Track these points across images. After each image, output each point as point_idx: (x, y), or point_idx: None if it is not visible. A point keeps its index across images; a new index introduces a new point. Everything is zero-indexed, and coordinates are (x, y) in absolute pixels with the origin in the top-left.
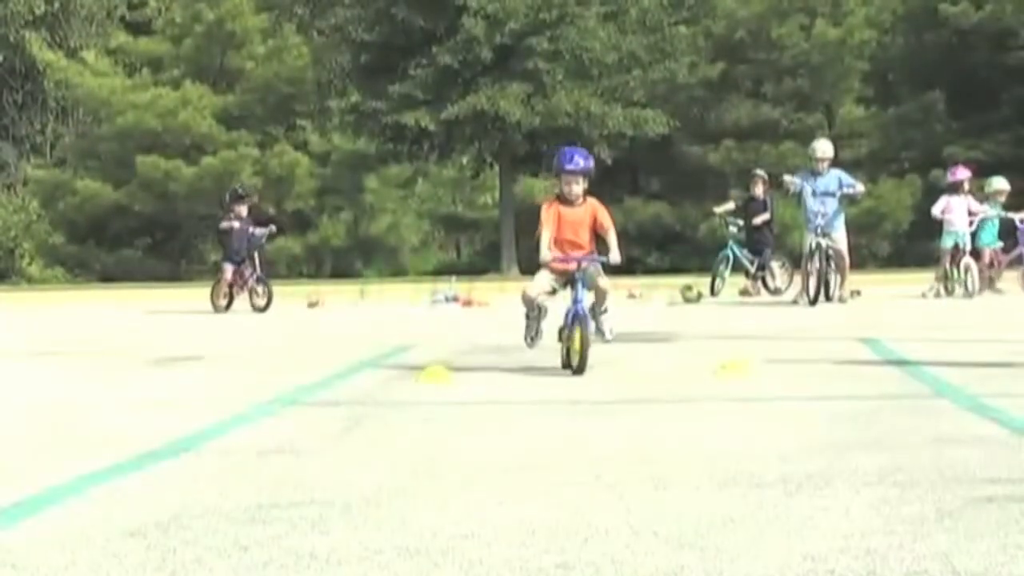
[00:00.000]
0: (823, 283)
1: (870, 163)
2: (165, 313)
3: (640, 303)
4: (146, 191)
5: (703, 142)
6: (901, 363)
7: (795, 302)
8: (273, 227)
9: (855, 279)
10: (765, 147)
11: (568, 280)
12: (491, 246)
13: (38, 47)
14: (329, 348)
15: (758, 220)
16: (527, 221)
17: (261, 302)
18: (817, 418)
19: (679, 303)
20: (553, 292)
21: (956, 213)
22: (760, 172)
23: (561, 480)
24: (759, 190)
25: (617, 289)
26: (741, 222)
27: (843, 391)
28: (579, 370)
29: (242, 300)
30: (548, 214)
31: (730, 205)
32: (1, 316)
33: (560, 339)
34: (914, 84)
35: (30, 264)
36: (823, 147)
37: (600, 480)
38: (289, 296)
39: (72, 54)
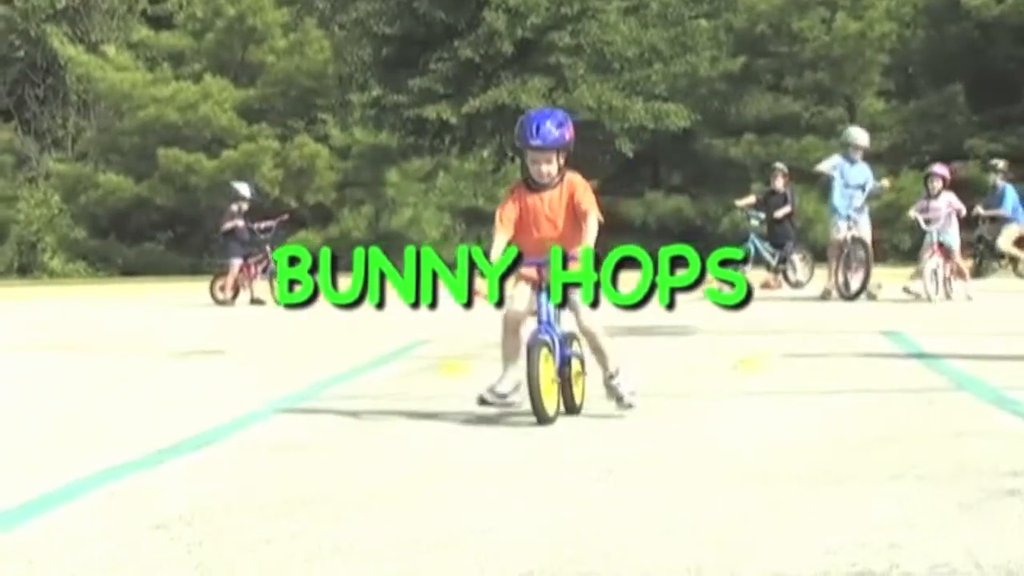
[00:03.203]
0: (867, 276)
1: (891, 156)
2: (186, 307)
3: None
4: (167, 184)
5: (724, 135)
6: (922, 356)
7: (824, 296)
8: (284, 216)
9: (876, 272)
10: (787, 141)
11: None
12: None
13: (59, 41)
14: (349, 342)
15: (779, 213)
16: None
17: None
18: (838, 412)
19: (700, 297)
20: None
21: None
22: (780, 166)
23: (577, 476)
24: (780, 183)
25: (636, 283)
26: (762, 215)
27: (864, 384)
28: (571, 409)
29: (246, 294)
30: (507, 207)
31: (751, 199)
32: (23, 310)
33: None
34: (935, 77)
35: (52, 258)
36: (861, 135)
37: (616, 476)
38: None
39: (93, 48)
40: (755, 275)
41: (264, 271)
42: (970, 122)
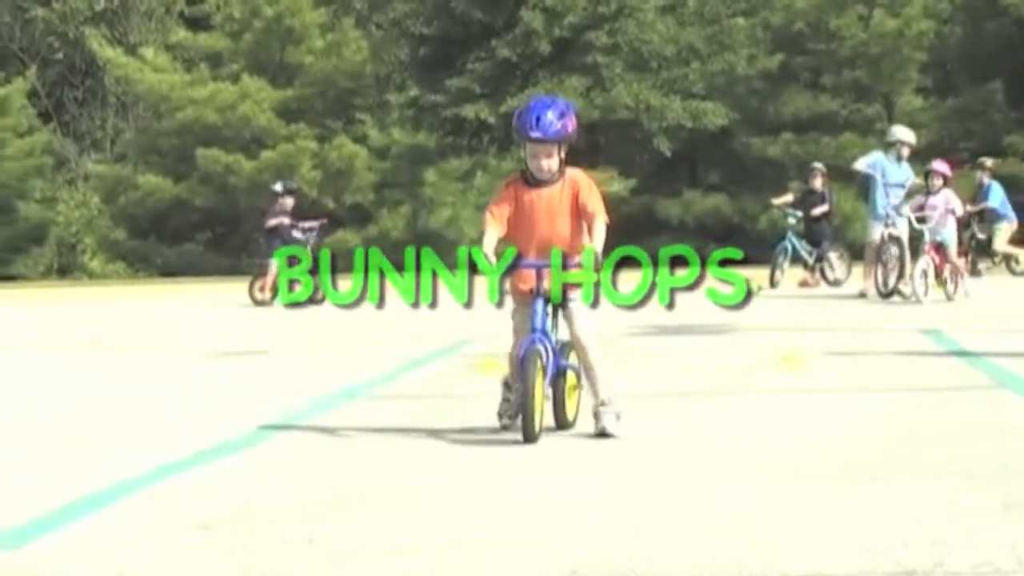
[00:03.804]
0: (901, 274)
1: (929, 154)
2: (226, 307)
3: (700, 295)
4: (206, 185)
5: (762, 134)
6: (963, 354)
7: (861, 295)
8: (324, 220)
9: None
10: (824, 139)
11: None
12: None
13: (98, 43)
14: (391, 342)
15: (816, 211)
16: None
17: (317, 296)
18: (879, 409)
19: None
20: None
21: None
22: (819, 165)
23: (617, 473)
24: (818, 183)
25: None
26: (799, 213)
27: (905, 382)
28: (562, 425)
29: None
30: (500, 200)
31: (788, 197)
32: (64, 311)
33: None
34: (973, 74)
35: (92, 259)
36: (908, 133)
37: (657, 473)
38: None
39: (132, 50)
40: (793, 274)
41: (311, 273)
42: (1008, 119)
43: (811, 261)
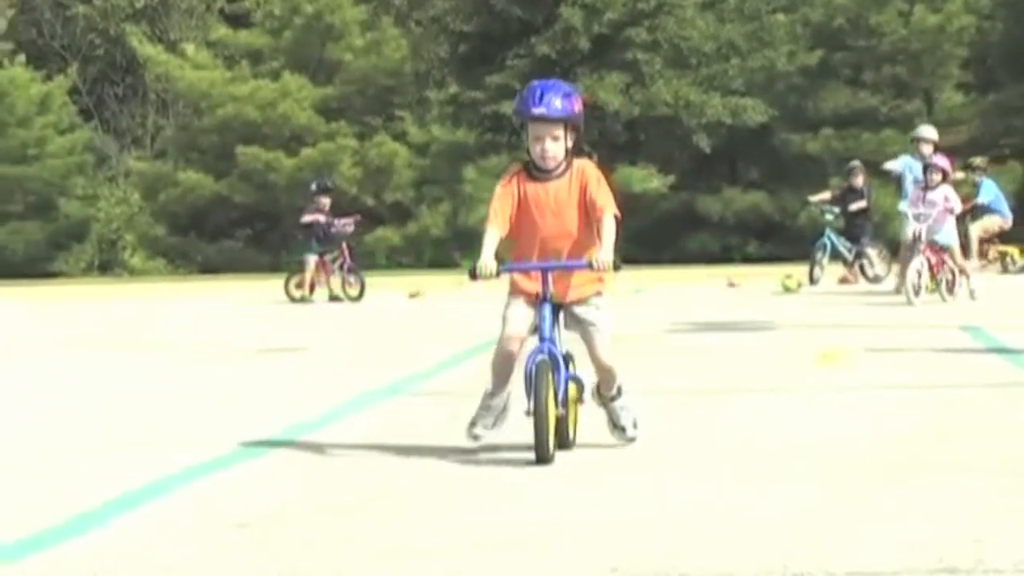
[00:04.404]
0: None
1: (970, 150)
2: (266, 304)
3: (739, 292)
4: (246, 182)
5: (802, 130)
6: (1004, 351)
7: (898, 291)
8: (359, 216)
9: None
10: (865, 135)
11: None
12: None
13: (139, 41)
14: (431, 338)
15: (854, 207)
16: (625, 210)
17: (354, 292)
18: (920, 406)
19: (778, 292)
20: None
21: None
22: (857, 163)
23: (655, 471)
24: (859, 180)
25: (716, 279)
26: (837, 210)
27: (945, 379)
28: (563, 443)
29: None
30: (501, 196)
31: (826, 194)
32: (104, 308)
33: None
34: (1014, 70)
35: (132, 256)
36: (927, 130)
37: (695, 471)
38: (389, 287)
39: (172, 47)
40: (832, 271)
41: (341, 267)
42: None
43: (850, 258)
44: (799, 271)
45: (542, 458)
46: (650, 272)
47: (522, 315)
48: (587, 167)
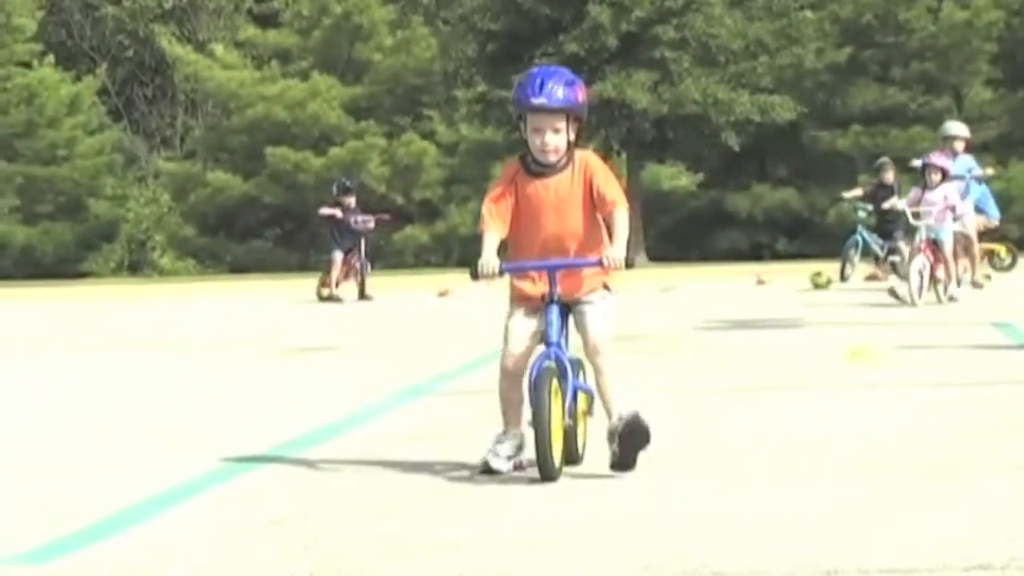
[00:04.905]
0: (973, 267)
1: (999, 146)
2: (296, 303)
3: (769, 289)
4: (275, 182)
5: (831, 127)
6: None
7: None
8: (385, 215)
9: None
10: (893, 132)
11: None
12: None
13: (167, 41)
14: (461, 337)
15: (887, 204)
16: (654, 208)
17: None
18: (951, 404)
19: (808, 289)
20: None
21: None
22: (887, 159)
23: (682, 470)
24: (890, 176)
25: (745, 276)
26: (869, 207)
27: (977, 377)
28: (572, 459)
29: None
30: (496, 196)
31: (858, 191)
32: (135, 308)
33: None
34: None
35: (162, 256)
36: (956, 126)
37: (727, 471)
38: (418, 285)
39: (201, 48)
40: (863, 268)
41: (360, 267)
42: None
43: (882, 255)
44: (828, 268)
45: (547, 476)
46: (679, 270)
47: (524, 328)
48: (591, 158)
